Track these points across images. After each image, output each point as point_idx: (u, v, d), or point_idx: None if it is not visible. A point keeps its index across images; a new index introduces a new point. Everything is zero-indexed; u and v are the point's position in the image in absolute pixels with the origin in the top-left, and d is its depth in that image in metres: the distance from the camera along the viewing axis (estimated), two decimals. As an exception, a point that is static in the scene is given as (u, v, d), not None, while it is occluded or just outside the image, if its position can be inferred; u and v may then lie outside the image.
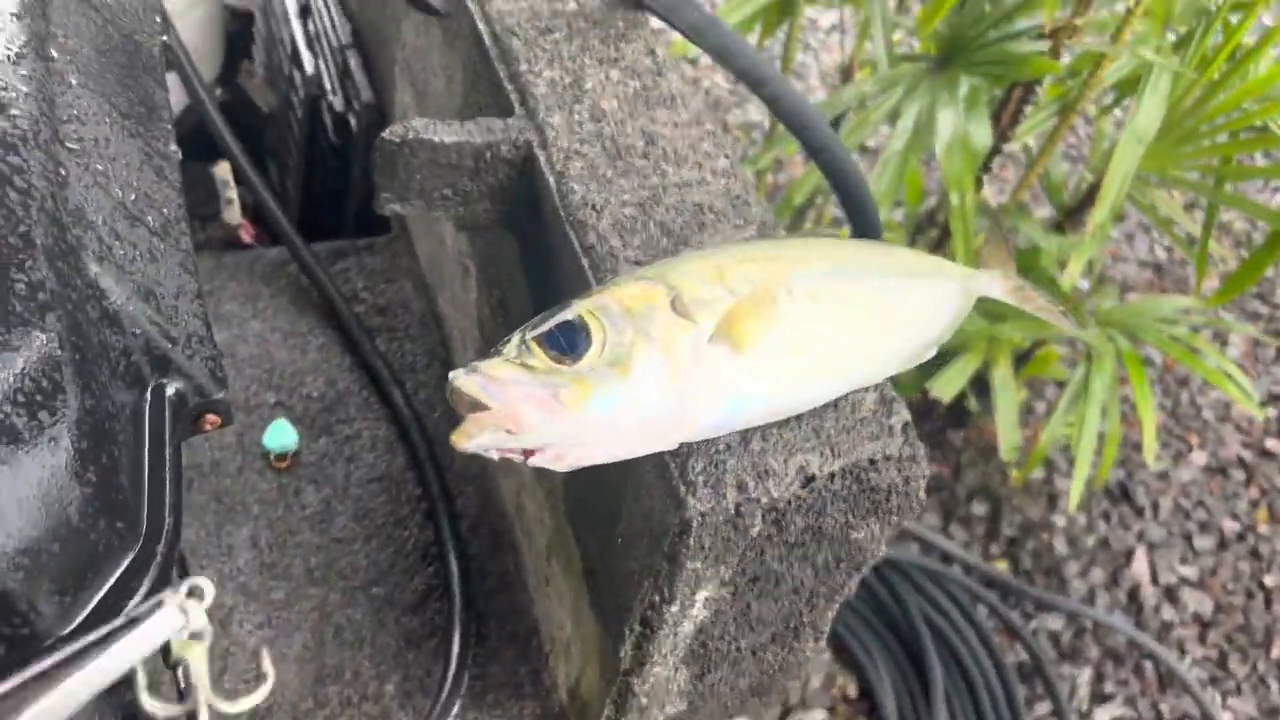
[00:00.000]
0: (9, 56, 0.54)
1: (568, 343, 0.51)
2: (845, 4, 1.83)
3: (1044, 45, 1.44)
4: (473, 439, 0.48)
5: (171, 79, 0.83)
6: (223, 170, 1.20)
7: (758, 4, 1.73)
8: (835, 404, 0.58)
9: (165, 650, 0.51)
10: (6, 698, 0.44)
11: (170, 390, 0.57)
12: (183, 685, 0.65)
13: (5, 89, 0.52)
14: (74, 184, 0.54)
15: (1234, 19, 1.39)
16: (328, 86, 1.18)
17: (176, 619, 0.48)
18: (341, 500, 0.93)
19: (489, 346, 0.52)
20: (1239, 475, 2.28)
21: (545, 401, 0.49)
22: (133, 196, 0.58)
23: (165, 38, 0.74)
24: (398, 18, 1.02)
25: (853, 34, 2.00)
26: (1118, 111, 1.82)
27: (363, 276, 1.11)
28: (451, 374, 0.50)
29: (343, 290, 1.07)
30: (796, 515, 0.57)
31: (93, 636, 0.46)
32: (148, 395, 0.56)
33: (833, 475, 0.56)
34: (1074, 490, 1.76)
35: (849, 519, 0.59)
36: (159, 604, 0.48)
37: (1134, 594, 2.04)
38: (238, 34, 1.43)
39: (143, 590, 0.50)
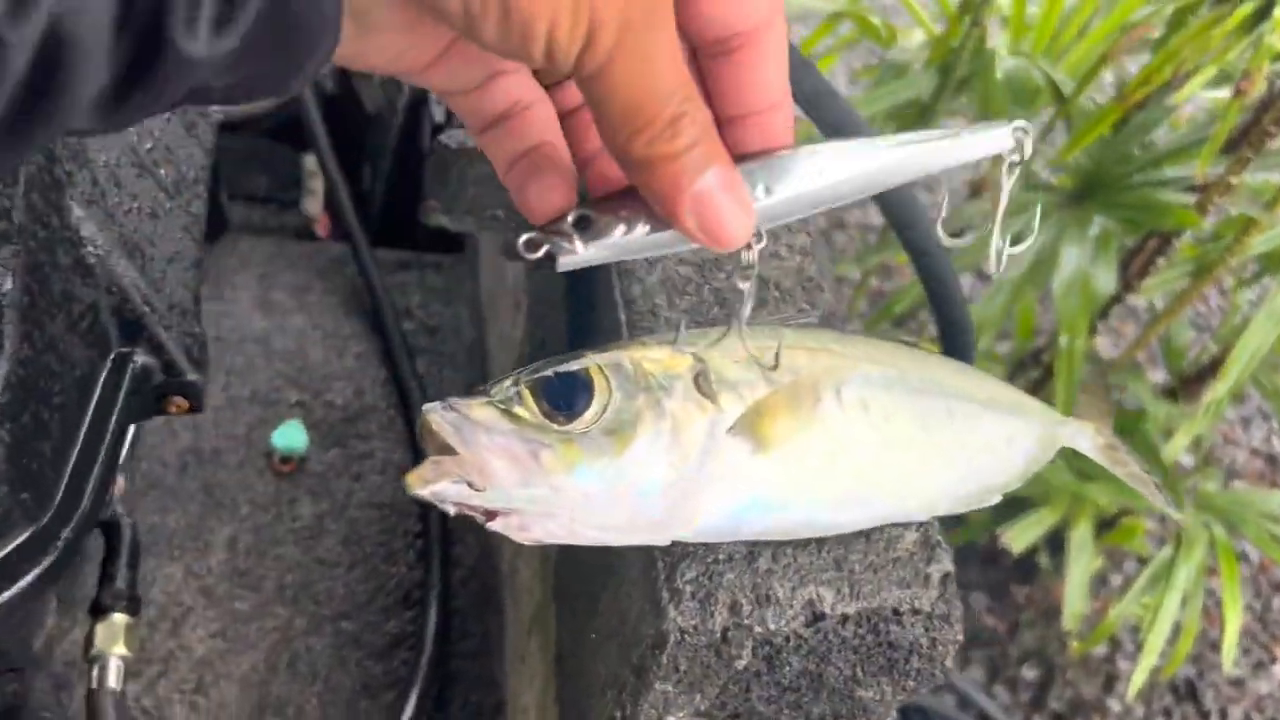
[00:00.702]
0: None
1: (566, 397, 0.43)
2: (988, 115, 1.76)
3: (1190, 199, 1.34)
4: (428, 485, 0.41)
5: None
6: (311, 161, 1.17)
7: (895, 101, 1.67)
8: (868, 535, 0.49)
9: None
10: None
11: (136, 362, 0.51)
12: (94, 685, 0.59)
13: None
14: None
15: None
16: (432, 95, 1.15)
17: None
18: (336, 520, 0.87)
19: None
20: (1323, 702, 2.08)
21: (522, 459, 0.42)
22: (149, 145, 0.53)
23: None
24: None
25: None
26: (1258, 286, 1.70)
27: (420, 293, 1.06)
28: (426, 406, 0.43)
29: (396, 303, 1.02)
30: (794, 656, 0.48)
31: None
32: (108, 362, 0.50)
33: (845, 618, 0.47)
34: (1136, 677, 1.61)
35: (856, 673, 0.50)
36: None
37: (1182, 805, 1.86)
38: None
39: (29, 578, 0.43)
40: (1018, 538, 1.69)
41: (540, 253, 0.36)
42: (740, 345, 0.46)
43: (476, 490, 0.42)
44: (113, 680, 0.60)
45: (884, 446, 0.47)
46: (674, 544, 0.47)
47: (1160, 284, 1.58)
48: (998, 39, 1.73)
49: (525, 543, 0.43)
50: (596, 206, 0.36)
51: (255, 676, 0.77)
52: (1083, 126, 1.39)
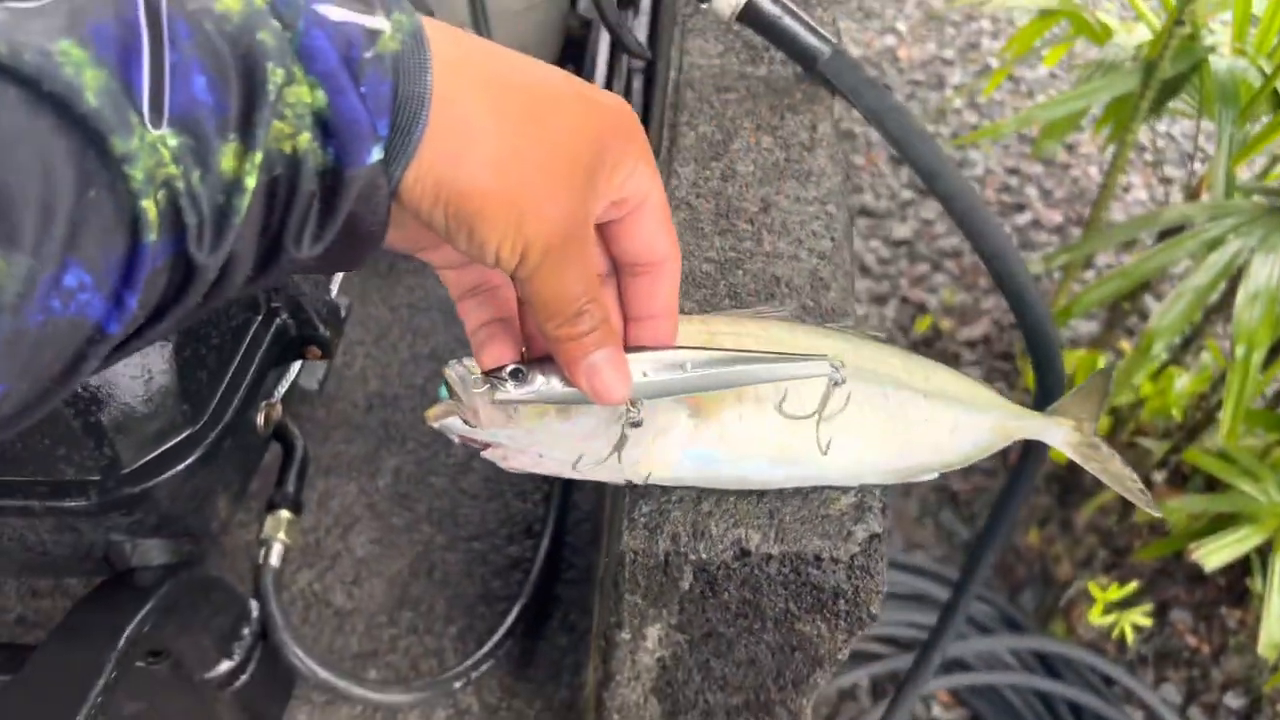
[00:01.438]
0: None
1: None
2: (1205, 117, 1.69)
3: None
4: (438, 420, 0.56)
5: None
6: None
7: (1099, 98, 1.65)
8: (805, 494, 0.59)
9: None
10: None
11: (282, 318, 0.70)
12: (260, 561, 0.78)
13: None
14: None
15: None
16: (613, 101, 1.29)
17: None
18: (482, 460, 1.04)
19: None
20: None
21: (504, 410, 0.55)
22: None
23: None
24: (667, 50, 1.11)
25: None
26: None
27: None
28: (450, 362, 0.58)
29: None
30: (729, 584, 0.59)
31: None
32: (258, 317, 0.69)
33: (769, 557, 0.57)
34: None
35: (790, 607, 0.60)
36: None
37: None
38: (580, 41, 1.59)
39: (185, 463, 0.62)
40: (1213, 555, 1.64)
41: (482, 389, 0.50)
42: (694, 328, 0.57)
43: (472, 427, 0.56)
44: (274, 560, 0.80)
45: (813, 420, 0.57)
46: (638, 486, 0.59)
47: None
48: (1225, 31, 1.66)
49: (508, 469, 0.57)
50: (528, 364, 0.50)
51: (400, 578, 0.96)
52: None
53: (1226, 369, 1.38)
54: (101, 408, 0.59)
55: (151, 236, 0.32)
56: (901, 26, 3.11)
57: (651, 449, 0.56)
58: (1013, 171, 2.69)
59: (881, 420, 0.59)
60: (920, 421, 0.60)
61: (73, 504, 0.60)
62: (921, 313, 2.37)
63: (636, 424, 0.52)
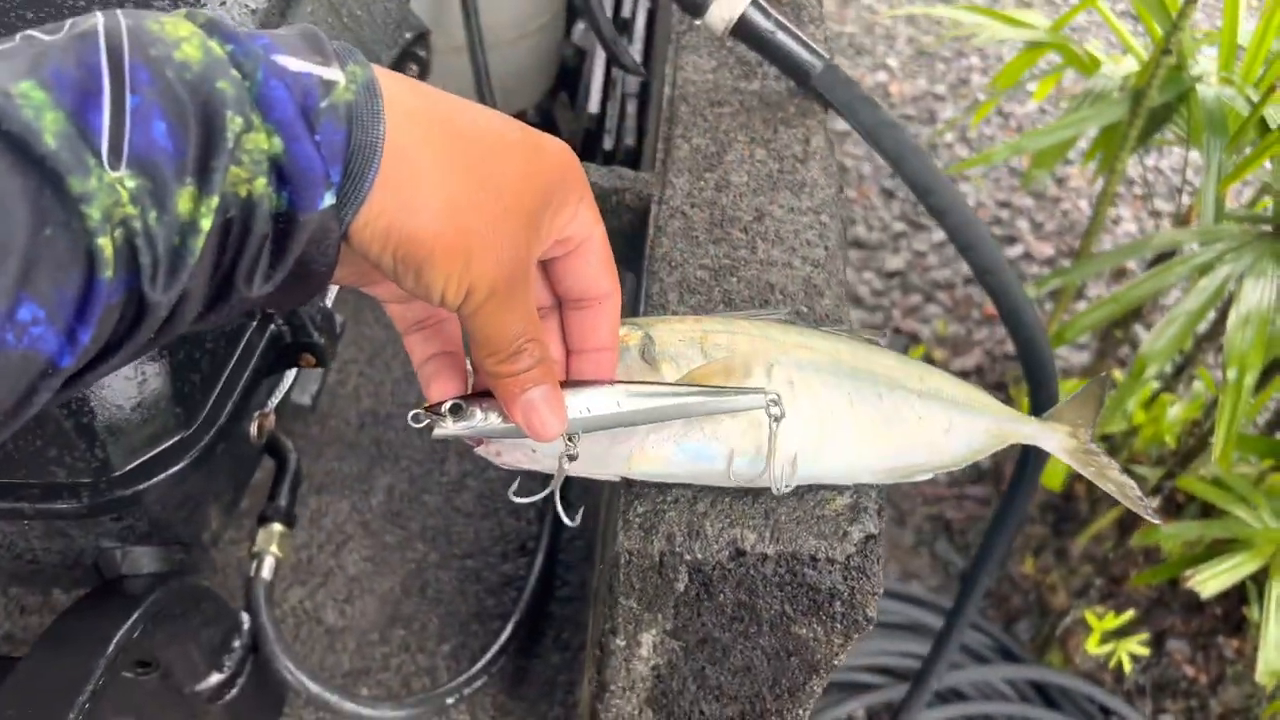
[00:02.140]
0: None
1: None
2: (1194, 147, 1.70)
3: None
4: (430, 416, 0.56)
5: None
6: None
7: (1084, 128, 1.66)
8: (801, 494, 0.59)
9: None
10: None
11: (276, 324, 0.70)
12: (251, 574, 0.77)
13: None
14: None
15: None
16: (607, 126, 1.30)
17: None
18: (476, 478, 1.04)
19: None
20: None
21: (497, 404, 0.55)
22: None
23: (416, 50, 0.88)
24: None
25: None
26: None
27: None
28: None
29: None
30: (725, 585, 0.58)
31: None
32: (253, 323, 0.68)
33: (764, 557, 0.57)
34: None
35: (786, 609, 0.59)
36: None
37: None
38: (575, 69, 1.61)
39: (177, 468, 0.62)
40: (1209, 582, 1.63)
41: (424, 424, 0.51)
42: (686, 325, 0.57)
43: (465, 424, 0.56)
44: (266, 572, 0.80)
45: (807, 417, 0.57)
46: (634, 486, 0.59)
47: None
48: (1211, 62, 1.68)
49: (502, 466, 0.57)
50: (469, 399, 0.51)
51: (392, 595, 0.95)
52: None
53: (1219, 395, 1.39)
54: (94, 409, 0.59)
55: (107, 273, 0.32)
56: (893, 62, 3.14)
57: (645, 443, 0.56)
58: (1004, 205, 2.71)
59: (876, 420, 0.59)
60: (915, 421, 0.60)
61: (64, 506, 0.60)
62: (914, 343, 2.38)
63: (573, 458, 0.53)
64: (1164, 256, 1.74)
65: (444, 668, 0.91)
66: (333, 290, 0.77)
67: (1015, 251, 2.58)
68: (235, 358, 0.67)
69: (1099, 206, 1.76)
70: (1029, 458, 0.94)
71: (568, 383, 0.52)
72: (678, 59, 0.85)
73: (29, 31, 0.33)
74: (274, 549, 0.80)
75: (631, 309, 0.70)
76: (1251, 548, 1.67)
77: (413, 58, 0.89)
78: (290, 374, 0.76)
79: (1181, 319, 1.43)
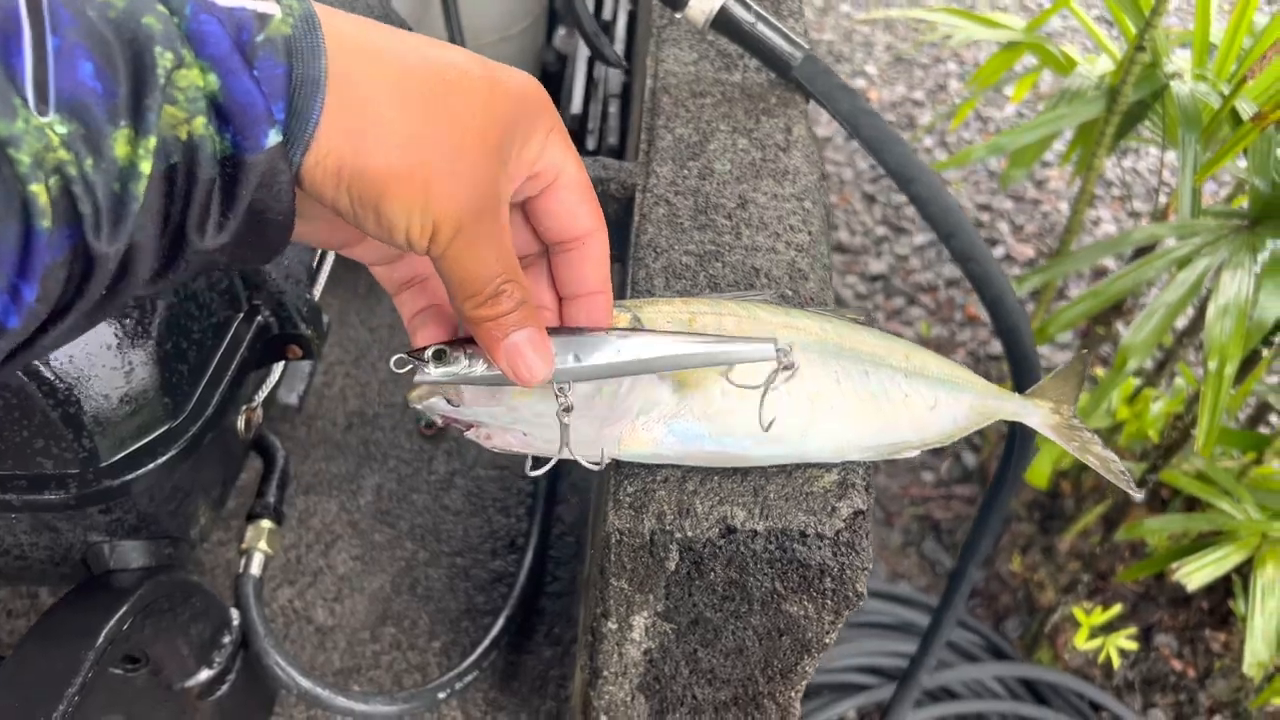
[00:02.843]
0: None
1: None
2: (1169, 143, 1.73)
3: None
4: (421, 401, 0.56)
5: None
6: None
7: (1060, 126, 1.68)
8: (789, 472, 0.59)
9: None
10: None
11: (263, 316, 0.70)
12: (240, 570, 0.77)
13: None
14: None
15: None
16: (590, 126, 1.31)
17: None
18: (464, 476, 1.04)
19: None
20: None
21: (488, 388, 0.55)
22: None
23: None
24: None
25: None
26: None
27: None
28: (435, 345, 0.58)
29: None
30: (715, 563, 0.59)
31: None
32: (240, 315, 0.68)
33: (754, 534, 0.57)
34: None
35: (776, 587, 0.60)
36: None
37: None
38: (556, 75, 1.61)
39: (164, 458, 0.62)
40: (1195, 575, 1.64)
41: (406, 369, 0.49)
42: (676, 307, 0.58)
43: (455, 407, 0.56)
44: (255, 569, 0.79)
45: (795, 396, 0.57)
46: (624, 466, 0.59)
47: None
48: (1185, 62, 1.70)
49: (492, 450, 0.57)
50: (454, 344, 0.49)
51: (382, 594, 0.95)
52: (1261, 150, 1.36)
53: (1200, 387, 1.40)
54: (81, 400, 0.59)
55: (45, 223, 0.31)
56: (871, 69, 3.17)
57: (635, 424, 0.56)
58: (984, 208, 2.73)
59: (862, 398, 0.59)
60: (900, 398, 0.60)
61: (51, 497, 0.60)
62: (898, 345, 2.38)
63: (568, 409, 0.51)
64: (1143, 251, 1.76)
65: (435, 664, 0.91)
66: (320, 280, 0.77)
67: (996, 254, 2.60)
68: (222, 349, 0.67)
69: (1077, 206, 1.77)
70: (1014, 447, 0.95)
71: (558, 329, 0.49)
72: (659, 52, 0.86)
73: None
74: (263, 545, 0.80)
75: (618, 295, 0.70)
76: (1236, 540, 1.69)
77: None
78: (277, 369, 0.76)
79: (1161, 311, 1.45)
